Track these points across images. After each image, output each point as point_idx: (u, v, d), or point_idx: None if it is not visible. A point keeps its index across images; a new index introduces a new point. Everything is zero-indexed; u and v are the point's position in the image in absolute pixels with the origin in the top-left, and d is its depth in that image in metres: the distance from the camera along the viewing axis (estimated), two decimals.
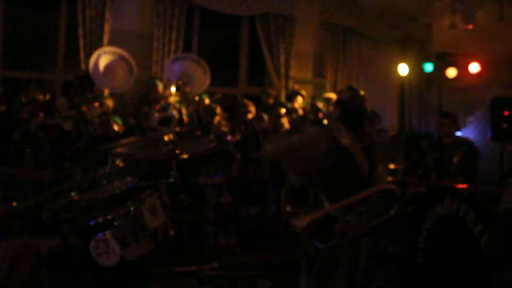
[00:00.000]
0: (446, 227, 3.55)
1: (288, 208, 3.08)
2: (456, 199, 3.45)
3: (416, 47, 8.36)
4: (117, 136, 5.26)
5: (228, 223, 5.94)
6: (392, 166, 6.23)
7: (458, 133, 5.38)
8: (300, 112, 6.98)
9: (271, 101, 7.30)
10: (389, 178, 5.96)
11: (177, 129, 5.33)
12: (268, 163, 4.18)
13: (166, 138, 4.88)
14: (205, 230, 5.64)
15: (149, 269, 4.38)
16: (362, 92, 6.13)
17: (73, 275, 2.66)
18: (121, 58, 6.76)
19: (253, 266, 5.46)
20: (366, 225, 2.97)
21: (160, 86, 6.53)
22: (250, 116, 6.48)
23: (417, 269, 3.89)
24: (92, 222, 2.58)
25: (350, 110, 3.22)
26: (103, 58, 6.66)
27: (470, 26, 6.48)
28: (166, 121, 5.51)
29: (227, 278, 5.18)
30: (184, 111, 6.44)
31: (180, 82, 6.75)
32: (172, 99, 6.41)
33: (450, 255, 3.48)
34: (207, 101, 6.70)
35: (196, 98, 6.91)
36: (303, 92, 7.38)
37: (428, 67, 7.67)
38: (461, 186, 3.75)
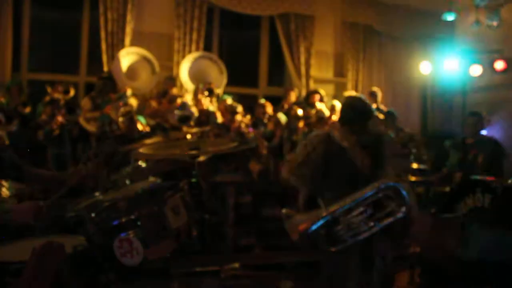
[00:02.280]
0: (477, 220, 3.48)
1: (284, 211, 3.02)
2: (487, 192, 3.40)
3: (439, 44, 8.23)
4: (141, 136, 5.31)
5: (248, 223, 5.95)
6: (415, 165, 6.15)
7: (483, 132, 5.27)
8: (321, 110, 6.92)
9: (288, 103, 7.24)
10: (413, 178, 5.90)
11: (198, 128, 5.34)
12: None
13: (188, 137, 4.91)
14: (225, 230, 5.65)
15: (171, 269, 4.40)
16: (374, 91, 5.97)
17: (96, 274, 2.70)
18: (144, 58, 6.83)
19: (274, 267, 5.45)
20: (373, 225, 2.86)
21: (186, 88, 6.58)
22: (267, 116, 6.50)
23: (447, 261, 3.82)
24: (115, 222, 2.59)
25: (351, 110, 3.24)
26: (126, 58, 6.73)
27: (495, 23, 6.33)
28: (186, 119, 5.54)
29: (248, 278, 5.19)
30: (219, 114, 6.45)
31: (211, 85, 6.74)
32: (205, 102, 6.45)
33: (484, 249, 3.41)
34: (229, 101, 6.72)
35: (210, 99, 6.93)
36: (322, 92, 7.33)
37: (452, 65, 7.53)
38: (491, 179, 3.66)
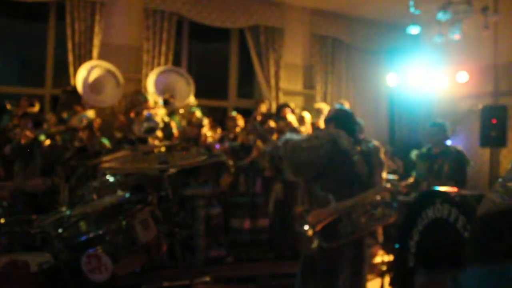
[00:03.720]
0: (437, 231, 3.56)
1: (299, 208, 3.20)
2: (447, 204, 3.47)
3: (405, 57, 8.44)
4: (108, 150, 5.24)
5: (219, 235, 5.92)
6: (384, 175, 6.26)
7: (448, 142, 5.42)
8: (291, 122, 6.98)
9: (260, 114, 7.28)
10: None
11: (166, 142, 5.31)
12: (270, 157, 4.31)
13: (155, 151, 4.86)
14: (196, 243, 5.60)
15: (141, 285, 4.34)
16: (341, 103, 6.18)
17: None
18: (108, 72, 6.73)
19: (245, 279, 5.43)
20: (369, 225, 3.07)
21: (151, 100, 6.54)
22: (238, 129, 6.50)
23: (409, 273, 3.89)
24: (83, 238, 2.54)
25: (342, 119, 3.38)
26: (90, 72, 6.62)
27: (457, 36, 6.55)
28: (151, 130, 5.52)
29: None
30: (173, 124, 6.44)
31: (167, 95, 6.74)
32: (160, 112, 6.39)
33: (440, 260, 3.49)
34: (198, 114, 6.70)
35: (182, 110, 6.90)
36: (292, 105, 7.39)
37: (417, 76, 7.74)
38: (452, 190, 3.76)
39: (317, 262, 3.18)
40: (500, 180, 1.36)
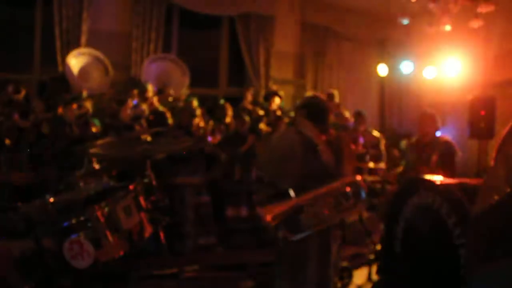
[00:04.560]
0: (422, 218, 3.59)
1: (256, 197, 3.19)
2: (431, 191, 3.49)
3: (395, 47, 8.44)
4: (95, 137, 5.19)
5: (208, 223, 5.92)
6: (372, 165, 6.30)
7: (438, 133, 5.43)
8: (278, 113, 6.97)
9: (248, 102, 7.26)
10: (370, 177, 6.05)
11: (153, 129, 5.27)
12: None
13: (143, 137, 4.82)
14: (185, 231, 5.60)
15: (130, 272, 4.33)
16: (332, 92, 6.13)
17: (48, 278, 2.61)
18: (96, 59, 6.67)
19: (234, 267, 5.44)
20: (334, 216, 3.03)
21: (150, 89, 6.44)
22: (228, 118, 6.47)
23: (396, 259, 3.93)
24: (66, 224, 2.52)
25: (314, 108, 3.35)
26: (78, 59, 6.55)
27: (447, 26, 6.54)
28: (137, 117, 5.47)
29: (208, 280, 5.16)
30: (169, 114, 6.37)
31: (162, 85, 6.67)
32: (155, 102, 6.33)
33: (425, 246, 3.53)
34: (195, 103, 6.59)
35: (170, 98, 6.84)
36: (281, 93, 7.37)
37: (407, 67, 7.74)
38: (436, 178, 3.78)
39: (284, 253, 3.20)
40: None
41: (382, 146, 6.74)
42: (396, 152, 6.91)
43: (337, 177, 3.09)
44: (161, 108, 6.34)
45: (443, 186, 3.53)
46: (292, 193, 2.98)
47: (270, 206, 2.94)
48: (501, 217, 1.16)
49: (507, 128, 1.34)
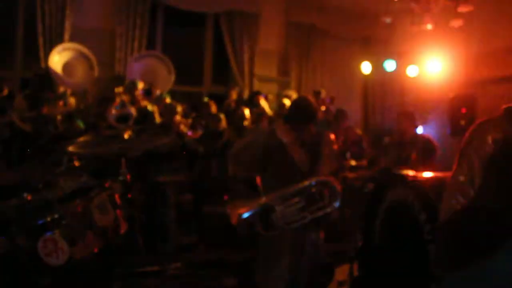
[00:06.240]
0: (397, 212, 3.66)
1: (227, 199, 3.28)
2: (405, 187, 3.57)
3: (379, 46, 8.50)
4: (78, 135, 5.17)
5: (190, 221, 5.93)
6: (353, 162, 6.35)
7: (419, 130, 5.51)
8: (269, 113, 6.96)
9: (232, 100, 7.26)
10: (351, 174, 6.09)
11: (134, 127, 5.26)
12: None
13: (126, 136, 4.81)
14: (166, 229, 5.61)
15: (112, 270, 4.34)
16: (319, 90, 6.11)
17: (25, 277, 2.61)
18: (81, 54, 6.62)
19: (216, 264, 5.47)
20: (305, 216, 3.05)
21: (140, 86, 6.38)
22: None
23: (375, 251, 4.00)
24: (40, 222, 2.53)
25: (295, 110, 3.50)
26: (62, 55, 6.50)
27: (429, 25, 6.62)
28: (124, 118, 5.44)
29: (191, 277, 5.18)
30: (157, 115, 6.33)
31: (148, 84, 6.57)
32: (141, 101, 6.28)
33: (400, 240, 3.60)
34: (167, 100, 6.60)
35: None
36: (264, 92, 7.39)
37: (390, 65, 7.81)
38: (410, 174, 3.86)
39: (259, 248, 3.31)
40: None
41: (365, 143, 6.80)
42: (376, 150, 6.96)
43: (311, 177, 3.12)
44: (149, 107, 6.29)
45: (415, 181, 3.60)
46: (260, 191, 3.04)
47: (238, 206, 3.00)
48: (467, 223, 1.18)
49: (468, 132, 1.37)
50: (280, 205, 3.01)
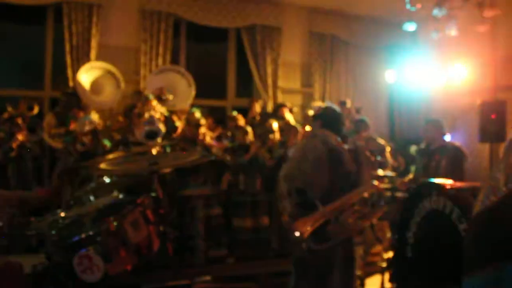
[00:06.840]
0: (433, 223, 3.57)
1: (285, 217, 3.14)
2: (442, 196, 3.47)
3: (403, 53, 8.42)
4: (105, 152, 5.25)
5: (219, 235, 5.92)
6: (381, 172, 6.26)
7: (447, 138, 5.41)
8: (293, 123, 6.93)
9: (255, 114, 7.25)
10: (380, 184, 6.01)
11: (163, 142, 5.30)
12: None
13: (154, 151, 4.86)
14: (195, 243, 5.61)
15: (141, 285, 4.36)
16: (344, 100, 6.06)
17: None
18: (108, 73, 6.75)
19: (245, 278, 5.44)
20: (356, 224, 3.05)
21: (151, 97, 6.45)
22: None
23: (407, 264, 3.91)
24: (75, 239, 2.56)
25: (329, 119, 3.37)
26: (89, 73, 6.64)
27: (453, 32, 6.53)
28: (153, 134, 5.49)
29: None
30: (175, 117, 6.35)
31: (157, 91, 6.52)
32: (158, 110, 6.31)
33: (437, 251, 3.51)
34: (197, 114, 6.61)
35: (176, 107, 6.81)
36: (288, 104, 7.38)
37: (415, 73, 7.72)
38: (447, 183, 3.77)
39: (309, 263, 3.19)
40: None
41: (387, 153, 6.71)
42: (400, 160, 6.85)
43: (358, 185, 3.11)
44: (167, 113, 6.33)
45: (454, 190, 3.51)
46: (318, 203, 2.97)
47: (300, 220, 2.90)
48: (497, 218, 1.17)
49: (509, 139, 1.36)
50: (336, 215, 2.97)
